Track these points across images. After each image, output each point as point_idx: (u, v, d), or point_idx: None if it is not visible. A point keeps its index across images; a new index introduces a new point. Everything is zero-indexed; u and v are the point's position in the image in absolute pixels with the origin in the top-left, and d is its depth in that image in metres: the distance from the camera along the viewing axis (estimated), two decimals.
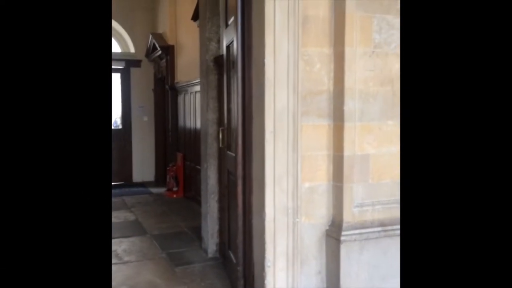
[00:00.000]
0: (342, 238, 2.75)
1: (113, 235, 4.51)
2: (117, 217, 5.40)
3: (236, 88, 2.91)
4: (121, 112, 8.43)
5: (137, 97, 8.15)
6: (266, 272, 2.73)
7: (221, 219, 3.76)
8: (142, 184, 7.88)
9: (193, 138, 6.22)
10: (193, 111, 6.33)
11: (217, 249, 3.82)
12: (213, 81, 3.83)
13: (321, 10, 2.79)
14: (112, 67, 8.08)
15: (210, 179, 3.85)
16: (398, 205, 2.90)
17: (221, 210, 3.76)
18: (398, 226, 2.88)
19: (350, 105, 2.77)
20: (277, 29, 2.67)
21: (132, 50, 8.18)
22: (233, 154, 3.02)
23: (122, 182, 7.93)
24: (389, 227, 2.87)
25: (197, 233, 4.33)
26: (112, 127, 8.93)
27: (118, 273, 3.50)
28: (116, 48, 8.29)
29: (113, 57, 8.04)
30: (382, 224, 2.87)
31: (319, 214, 2.87)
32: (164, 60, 7.41)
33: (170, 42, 7.23)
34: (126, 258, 3.86)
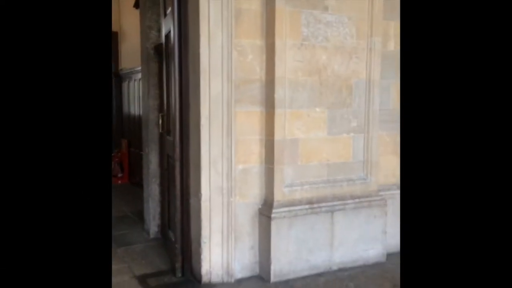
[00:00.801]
0: (273, 215, 2.99)
1: None
2: None
3: (174, 76, 3.06)
4: None
5: None
6: (202, 248, 2.94)
7: (162, 202, 3.91)
8: None
9: (137, 124, 6.25)
10: (137, 98, 6.36)
11: (158, 230, 3.97)
12: (154, 69, 3.94)
13: (254, 4, 2.99)
14: None
15: (152, 163, 3.98)
16: (325, 185, 3.21)
17: (162, 193, 3.90)
18: (324, 204, 3.19)
19: (280, 93, 3.00)
20: (212, 21, 2.84)
21: None
22: (172, 139, 3.18)
23: None
24: (316, 205, 3.16)
25: (140, 217, 4.45)
26: None
27: None
28: None
29: None
30: (309, 202, 3.14)
31: (252, 194, 3.10)
32: None
33: (114, 29, 7.17)
34: None
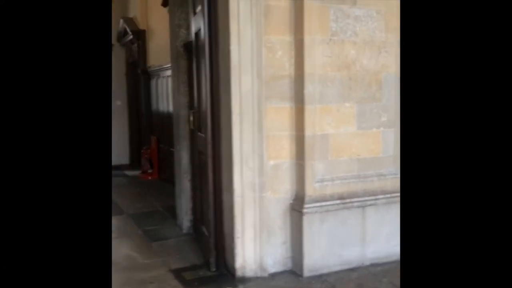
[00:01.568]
0: (304, 210, 3.02)
1: None
2: None
3: (205, 73, 3.11)
4: None
5: None
6: (235, 243, 2.99)
7: (194, 197, 3.98)
8: (117, 167, 7.98)
9: (166, 121, 6.37)
10: (166, 95, 6.46)
11: (191, 225, 4.05)
12: (183, 66, 4.00)
13: (282, 1, 3.00)
14: None
15: (183, 159, 4.05)
16: (355, 180, 3.21)
17: (193, 188, 3.97)
18: (356, 199, 3.19)
19: (310, 88, 3.01)
20: (241, 18, 2.88)
21: None
22: (203, 135, 3.23)
23: None
24: (347, 200, 3.16)
25: (171, 212, 4.54)
26: None
27: None
28: None
29: None
30: (341, 197, 3.15)
31: (283, 189, 3.13)
32: (135, 45, 7.47)
33: (142, 27, 7.29)
34: None
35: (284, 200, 3.14)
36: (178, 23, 3.99)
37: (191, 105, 3.88)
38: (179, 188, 4.17)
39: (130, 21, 7.55)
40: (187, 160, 4.05)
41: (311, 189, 3.07)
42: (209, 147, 3.10)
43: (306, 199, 3.04)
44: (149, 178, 6.90)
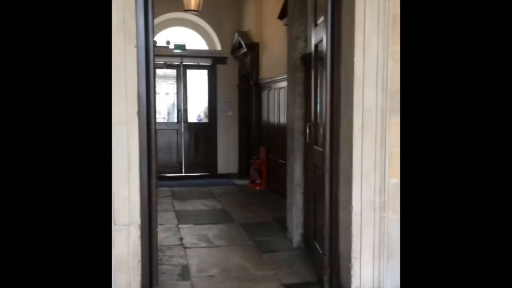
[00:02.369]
0: None
1: (202, 221, 4.88)
2: (205, 205, 5.77)
3: (325, 85, 3.03)
4: (207, 107, 8.87)
5: (223, 92, 8.53)
6: (352, 263, 2.84)
7: (306, 211, 3.90)
8: (226, 176, 8.26)
9: (277, 132, 6.42)
10: (277, 107, 6.51)
11: (301, 239, 3.97)
12: (300, 79, 3.97)
13: None
14: (200, 64, 8.58)
15: (296, 172, 4.01)
16: None
17: (306, 202, 3.90)
18: None
19: None
20: (367, 28, 2.75)
21: (219, 47, 8.56)
22: (321, 149, 3.15)
23: (208, 173, 8.38)
24: None
25: (281, 224, 4.52)
26: (197, 121, 9.45)
27: (211, 255, 3.80)
28: (203, 45, 8.73)
29: (200, 54, 8.51)
30: None
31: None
32: (248, 57, 7.68)
33: (255, 40, 7.48)
34: (216, 243, 4.16)
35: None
36: (297, 35, 3.98)
37: (306, 118, 3.83)
38: (290, 200, 4.12)
39: (244, 34, 7.79)
40: (300, 173, 3.99)
41: None
42: (327, 161, 3.00)
43: None
44: (257, 188, 6.99)
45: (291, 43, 4.06)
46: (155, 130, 2.75)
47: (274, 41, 6.64)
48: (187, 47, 8.29)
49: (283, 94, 6.08)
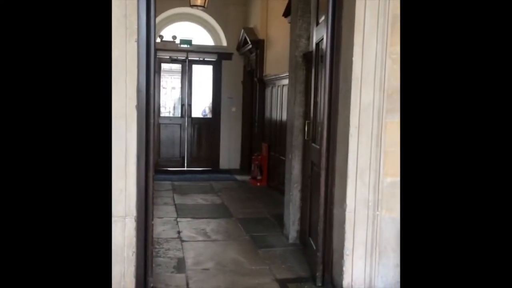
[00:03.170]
0: None
1: (201, 215, 4.92)
2: (205, 199, 5.82)
3: (324, 83, 3.06)
4: (211, 102, 8.92)
5: (227, 88, 8.57)
6: (344, 260, 2.88)
7: (302, 208, 3.94)
8: (228, 171, 8.30)
9: (279, 129, 6.44)
10: (280, 104, 6.54)
11: (297, 236, 4.01)
12: (301, 76, 4.00)
13: None
14: (205, 59, 8.61)
15: (294, 169, 4.04)
16: None
17: (303, 199, 3.93)
18: None
19: None
20: (367, 28, 2.78)
21: (225, 43, 8.59)
22: (318, 147, 3.18)
23: (210, 168, 8.43)
24: None
25: (278, 220, 4.56)
26: (201, 116, 9.50)
27: (207, 249, 3.85)
28: (209, 41, 8.76)
29: (206, 50, 8.55)
30: None
31: (399, 209, 2.93)
32: (254, 54, 7.71)
33: (261, 37, 7.50)
34: (213, 237, 4.21)
35: (399, 220, 2.94)
36: (299, 33, 4.00)
37: (306, 115, 3.85)
38: (288, 197, 4.16)
39: (250, 31, 7.82)
40: (298, 170, 4.02)
41: None
42: (323, 159, 3.04)
43: None
44: (258, 184, 7.03)
45: (293, 41, 4.08)
46: (156, 124, 2.80)
47: (279, 38, 6.65)
48: (193, 42, 8.33)
49: (286, 91, 6.10)
